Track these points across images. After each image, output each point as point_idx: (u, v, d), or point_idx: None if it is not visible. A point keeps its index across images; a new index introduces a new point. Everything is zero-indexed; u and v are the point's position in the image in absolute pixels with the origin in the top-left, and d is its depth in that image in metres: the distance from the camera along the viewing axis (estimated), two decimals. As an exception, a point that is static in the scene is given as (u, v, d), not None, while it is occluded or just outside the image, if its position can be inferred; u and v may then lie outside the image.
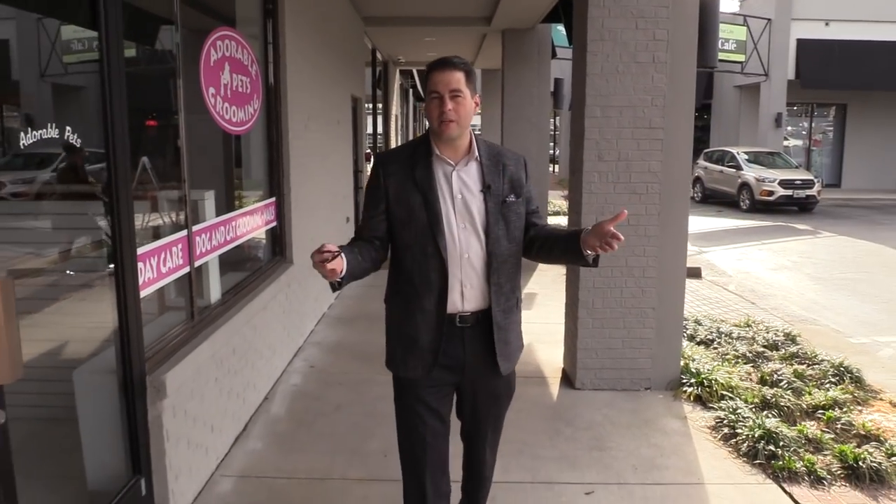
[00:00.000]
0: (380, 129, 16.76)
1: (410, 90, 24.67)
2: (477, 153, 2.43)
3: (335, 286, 2.28)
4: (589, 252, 2.29)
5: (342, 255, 2.18)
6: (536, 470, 3.70)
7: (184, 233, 3.46)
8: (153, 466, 3.01)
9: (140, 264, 2.92)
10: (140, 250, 2.93)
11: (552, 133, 20.03)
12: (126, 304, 2.81)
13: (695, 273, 9.60)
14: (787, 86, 22.04)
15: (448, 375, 2.48)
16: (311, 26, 6.16)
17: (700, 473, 3.70)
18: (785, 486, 3.56)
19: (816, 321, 7.43)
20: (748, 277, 9.84)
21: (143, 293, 2.94)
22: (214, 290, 3.98)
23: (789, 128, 25.73)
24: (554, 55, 11.47)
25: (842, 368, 5.01)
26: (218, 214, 3.98)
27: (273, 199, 5.12)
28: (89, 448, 2.87)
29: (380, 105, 15.05)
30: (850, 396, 4.61)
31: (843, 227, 14.89)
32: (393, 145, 16.05)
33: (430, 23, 10.31)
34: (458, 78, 2.32)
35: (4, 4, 2.36)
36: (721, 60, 22.15)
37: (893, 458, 3.73)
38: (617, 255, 4.63)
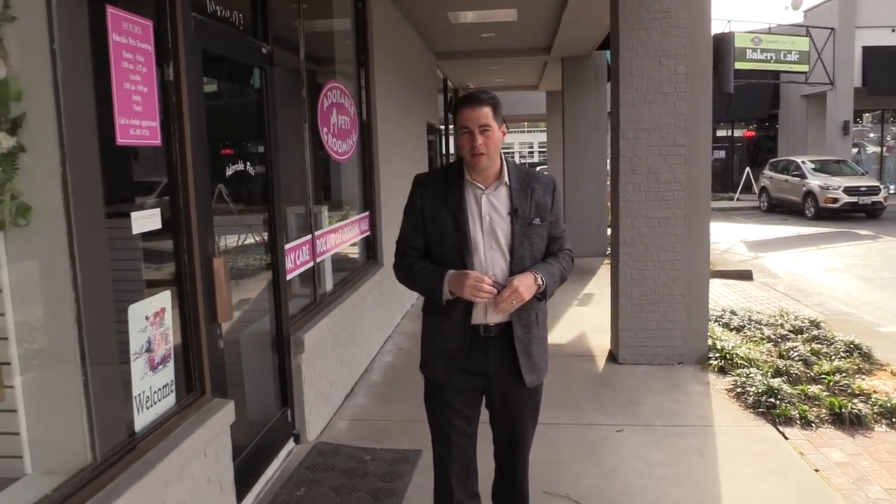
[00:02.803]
0: (452, 150, 18.01)
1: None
2: (507, 178, 2.59)
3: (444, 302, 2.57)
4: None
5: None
6: (581, 416, 4.71)
7: (309, 236, 4.66)
8: (294, 402, 4.18)
9: (286, 257, 4.13)
10: (286, 247, 4.14)
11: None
12: (278, 285, 4.01)
13: (745, 275, 10.33)
14: (853, 93, 22.21)
15: (474, 382, 2.66)
16: (394, 69, 7.38)
17: (712, 419, 4.64)
18: (780, 427, 4.45)
19: (852, 314, 8.12)
20: (798, 279, 10.50)
21: (287, 277, 4.13)
22: (329, 281, 5.18)
23: (871, 135, 25.74)
24: (610, 78, 12.39)
25: (852, 346, 5.82)
26: (330, 224, 5.19)
27: (367, 213, 6.31)
28: (250, 388, 4.05)
29: (451, 127, 16.30)
30: (855, 367, 5.42)
31: (907, 232, 15.18)
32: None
33: (495, 54, 11.45)
34: (486, 113, 2.47)
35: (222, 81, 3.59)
36: (784, 71, 22.52)
37: (875, 407, 4.58)
38: (650, 251, 5.65)
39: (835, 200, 17.99)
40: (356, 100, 6.01)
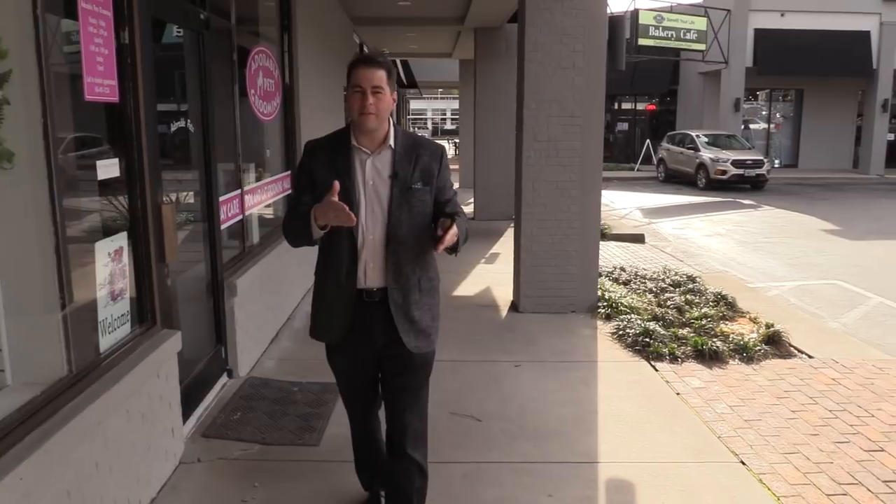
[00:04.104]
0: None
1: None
2: (392, 142, 2.62)
3: (317, 240, 2.59)
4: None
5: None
6: (484, 355, 5.34)
7: (238, 191, 5.03)
8: (228, 340, 4.60)
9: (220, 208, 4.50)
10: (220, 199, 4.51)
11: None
12: (213, 234, 4.39)
13: (639, 239, 11.25)
14: (745, 73, 23.75)
15: (363, 343, 2.69)
16: (315, 34, 7.70)
17: (596, 356, 5.36)
18: (652, 362, 5.21)
19: (727, 272, 9.12)
20: (685, 242, 11.52)
21: (222, 227, 4.52)
22: (255, 234, 5.57)
23: (764, 112, 27.57)
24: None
25: (720, 297, 6.68)
26: (257, 181, 5.56)
27: (289, 172, 6.68)
28: (189, 326, 4.43)
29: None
30: (720, 314, 6.28)
31: (785, 202, 16.62)
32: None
33: (411, 22, 11.81)
34: (381, 75, 2.51)
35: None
36: (683, 49, 23.79)
37: (731, 346, 5.40)
38: (548, 211, 6.28)
39: (724, 172, 19.41)
40: (279, 63, 6.34)
